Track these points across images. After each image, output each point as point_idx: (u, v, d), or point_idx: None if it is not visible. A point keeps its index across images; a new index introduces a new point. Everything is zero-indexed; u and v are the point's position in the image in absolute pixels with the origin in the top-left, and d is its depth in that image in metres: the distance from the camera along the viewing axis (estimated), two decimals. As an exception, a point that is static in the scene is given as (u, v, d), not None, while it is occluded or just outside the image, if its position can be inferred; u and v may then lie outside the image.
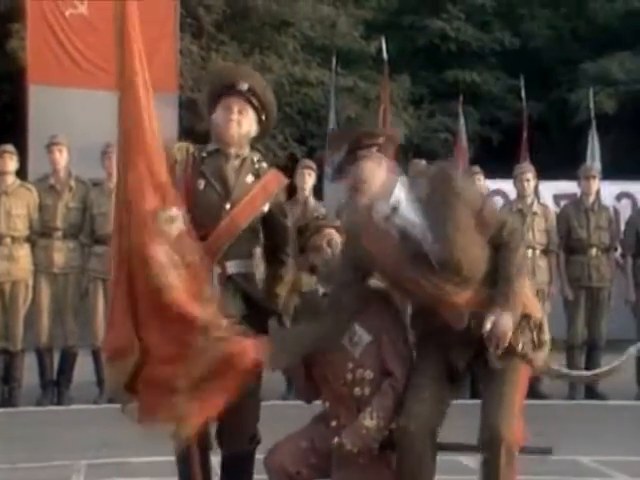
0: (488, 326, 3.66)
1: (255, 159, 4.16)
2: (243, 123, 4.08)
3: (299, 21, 17.22)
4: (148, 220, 3.67)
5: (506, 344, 3.70)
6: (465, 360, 3.84)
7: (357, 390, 3.85)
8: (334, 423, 3.86)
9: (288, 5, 17.00)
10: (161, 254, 3.64)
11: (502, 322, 3.68)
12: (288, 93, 15.99)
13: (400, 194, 3.75)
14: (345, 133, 4.14)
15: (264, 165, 4.18)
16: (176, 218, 3.73)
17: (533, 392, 8.21)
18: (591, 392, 8.30)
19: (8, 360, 7.77)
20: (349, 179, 3.82)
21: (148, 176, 3.72)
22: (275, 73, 15.77)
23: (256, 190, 4.08)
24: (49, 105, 10.68)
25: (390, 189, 3.75)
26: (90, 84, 10.57)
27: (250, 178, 4.10)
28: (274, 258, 4.25)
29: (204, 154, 4.10)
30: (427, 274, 3.69)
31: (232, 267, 4.02)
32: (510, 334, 3.70)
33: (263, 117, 4.15)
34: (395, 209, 3.72)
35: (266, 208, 4.12)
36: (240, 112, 4.07)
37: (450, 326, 3.75)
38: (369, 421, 3.74)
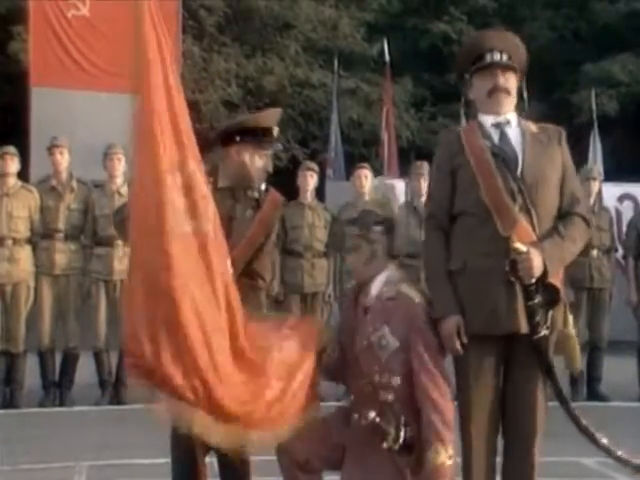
0: (524, 249, 3.68)
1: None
2: (269, 166, 4.17)
3: (301, 23, 17.22)
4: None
5: (527, 279, 3.70)
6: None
7: (382, 393, 3.78)
8: (355, 417, 3.80)
9: (290, 7, 17.00)
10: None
11: (535, 258, 3.69)
12: (290, 95, 16.01)
13: None
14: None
15: (262, 187, 4.21)
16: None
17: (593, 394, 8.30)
18: (593, 393, 8.30)
19: (10, 362, 7.77)
20: None
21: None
22: (277, 75, 15.79)
23: (255, 225, 4.12)
24: (51, 107, 10.69)
25: None
26: (92, 86, 10.58)
27: (249, 212, 4.14)
28: (251, 282, 4.18)
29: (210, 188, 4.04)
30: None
31: None
32: (535, 273, 3.69)
33: None
34: None
35: (263, 239, 4.17)
36: (267, 155, 4.15)
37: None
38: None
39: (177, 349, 3.45)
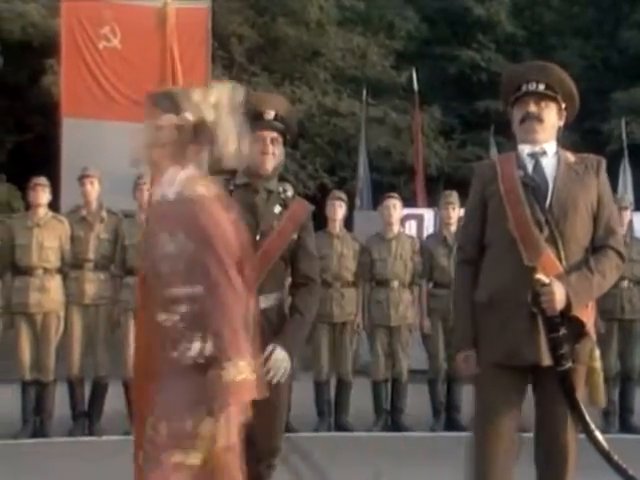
0: (546, 280, 3.68)
1: (281, 189, 4.18)
2: (277, 154, 4.11)
3: (330, 51, 17.33)
4: None
5: (550, 312, 3.70)
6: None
7: None
8: None
9: (319, 35, 17.11)
10: None
11: (558, 290, 3.68)
12: (318, 124, 16.08)
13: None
14: None
15: (289, 194, 4.20)
16: None
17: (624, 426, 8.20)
18: (626, 426, 8.20)
19: (40, 391, 7.79)
20: None
21: None
22: (306, 104, 15.88)
23: (285, 220, 4.09)
24: (81, 137, 10.77)
25: None
26: (122, 116, 10.64)
27: (277, 208, 4.11)
28: (300, 287, 4.20)
29: (232, 187, 4.10)
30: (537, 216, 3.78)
31: (264, 301, 4.00)
32: (558, 306, 3.69)
33: (288, 137, 4.20)
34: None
35: (295, 236, 4.12)
36: (272, 142, 4.09)
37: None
38: None
39: None
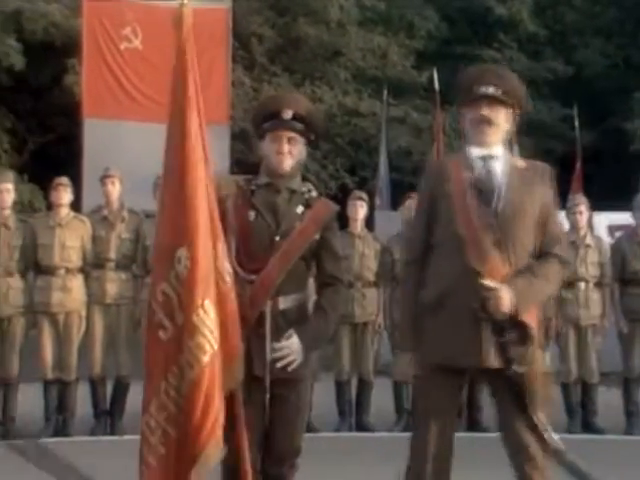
0: (492, 285, 3.70)
1: (305, 189, 4.13)
2: (294, 153, 4.07)
3: (350, 51, 17.32)
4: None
5: (497, 316, 3.71)
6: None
7: None
8: None
9: (340, 35, 17.10)
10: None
11: (505, 295, 3.71)
12: (339, 124, 16.07)
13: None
14: None
15: (314, 194, 4.15)
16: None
17: (588, 426, 8.16)
18: (588, 427, 8.13)
19: (62, 390, 7.82)
20: None
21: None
22: (326, 104, 15.87)
23: (307, 220, 4.05)
24: (103, 138, 10.83)
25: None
26: (143, 117, 10.70)
27: (300, 209, 4.06)
28: (327, 287, 4.16)
29: (253, 187, 4.08)
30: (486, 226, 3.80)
31: (284, 302, 3.99)
32: (505, 310, 3.71)
33: (312, 137, 4.15)
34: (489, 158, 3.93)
35: (317, 236, 4.08)
36: (289, 142, 4.05)
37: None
38: None
39: None
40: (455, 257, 3.82)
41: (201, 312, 3.64)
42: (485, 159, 3.93)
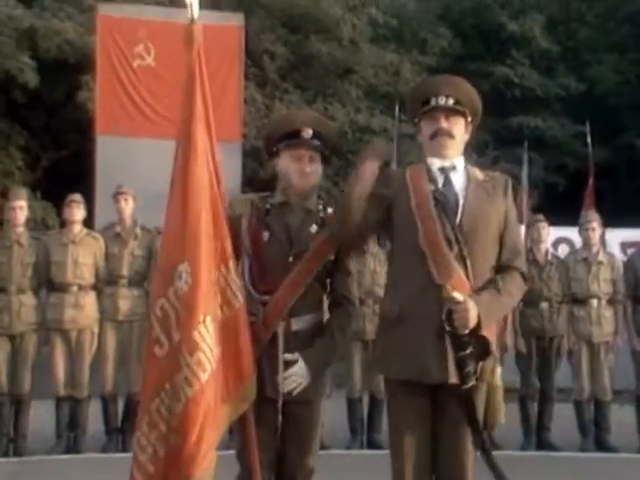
0: (461, 298, 3.64)
1: (320, 207, 4.10)
2: (315, 172, 4.07)
3: (363, 68, 17.34)
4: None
5: (462, 330, 3.66)
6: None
7: None
8: None
9: (352, 52, 17.12)
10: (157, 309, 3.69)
11: (472, 309, 3.65)
12: (351, 141, 16.06)
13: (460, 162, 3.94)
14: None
15: (329, 211, 4.11)
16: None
17: (600, 444, 8.12)
18: (601, 445, 8.11)
19: (74, 407, 7.82)
20: None
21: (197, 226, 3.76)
22: (338, 121, 15.87)
23: (321, 240, 4.00)
24: (116, 155, 10.87)
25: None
26: (156, 134, 10.73)
27: (314, 228, 4.02)
28: (336, 307, 4.14)
29: (268, 206, 4.05)
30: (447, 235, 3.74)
31: (297, 324, 3.96)
32: (470, 324, 3.65)
33: (327, 153, 4.14)
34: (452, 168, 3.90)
35: (332, 256, 4.04)
36: (311, 161, 4.04)
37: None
38: None
39: None
40: (417, 270, 3.74)
41: (202, 329, 3.63)
42: (445, 170, 3.89)
